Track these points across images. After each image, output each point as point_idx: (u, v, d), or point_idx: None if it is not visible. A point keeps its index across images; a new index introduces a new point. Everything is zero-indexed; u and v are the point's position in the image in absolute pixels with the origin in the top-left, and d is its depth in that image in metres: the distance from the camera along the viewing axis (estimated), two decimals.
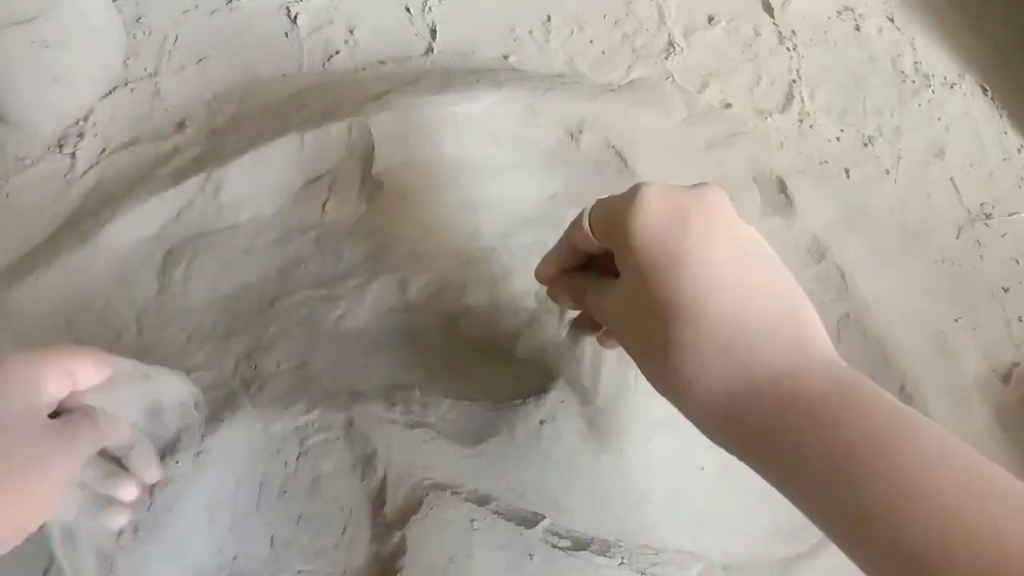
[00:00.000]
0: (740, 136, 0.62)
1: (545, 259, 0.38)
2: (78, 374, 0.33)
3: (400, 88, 0.58)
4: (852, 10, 0.74)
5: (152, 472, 0.36)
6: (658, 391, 0.31)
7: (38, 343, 0.45)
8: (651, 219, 0.30)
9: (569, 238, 0.36)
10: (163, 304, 0.46)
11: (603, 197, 0.34)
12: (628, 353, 0.33)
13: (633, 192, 0.31)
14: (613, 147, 0.56)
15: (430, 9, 0.68)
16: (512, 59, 0.65)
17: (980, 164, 0.65)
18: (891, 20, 0.74)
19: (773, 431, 0.27)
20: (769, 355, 0.28)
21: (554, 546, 0.38)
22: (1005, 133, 0.67)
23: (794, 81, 0.67)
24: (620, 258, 0.32)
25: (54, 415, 0.32)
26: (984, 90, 0.70)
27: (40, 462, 0.30)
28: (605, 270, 0.35)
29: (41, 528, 0.31)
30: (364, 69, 0.63)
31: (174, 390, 0.36)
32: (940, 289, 0.57)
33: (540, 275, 0.39)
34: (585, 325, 0.40)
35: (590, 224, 0.34)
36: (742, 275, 0.30)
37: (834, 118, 0.66)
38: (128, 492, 0.35)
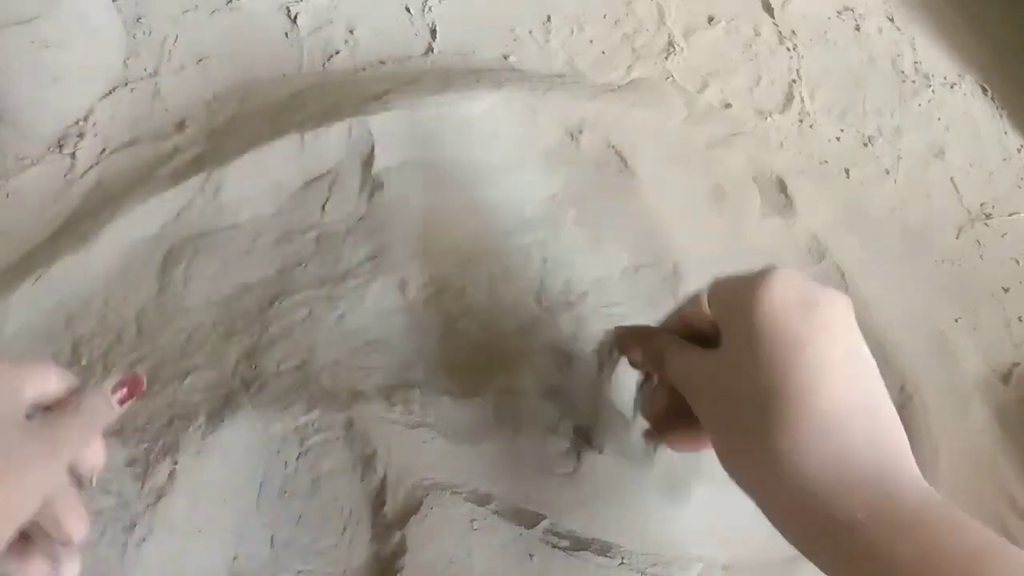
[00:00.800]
0: (740, 136, 0.62)
1: (644, 328, 0.38)
2: (52, 378, 0.32)
3: (400, 88, 0.58)
4: (852, 10, 0.74)
5: (80, 527, 0.32)
6: (734, 472, 0.31)
7: (38, 343, 0.45)
8: (780, 298, 0.30)
9: (682, 313, 0.36)
10: (163, 304, 0.46)
11: (727, 276, 0.34)
12: (708, 427, 0.33)
13: (766, 271, 0.31)
14: (613, 147, 0.56)
15: (430, 9, 0.67)
16: (512, 59, 0.65)
17: (980, 164, 0.65)
18: (891, 20, 0.74)
19: (863, 530, 0.27)
20: (867, 456, 0.28)
21: (554, 546, 0.38)
22: (1005, 133, 0.67)
23: (794, 81, 0.67)
24: (733, 331, 0.32)
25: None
26: (984, 90, 0.70)
27: (14, 469, 0.28)
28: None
29: None
30: (364, 69, 0.63)
31: None
32: (940, 289, 0.57)
33: (625, 336, 0.38)
34: (659, 431, 0.38)
35: (708, 298, 0.34)
36: (855, 376, 0.30)
37: (834, 118, 0.66)
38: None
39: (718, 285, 0.34)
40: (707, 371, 0.33)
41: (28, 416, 0.31)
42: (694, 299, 0.35)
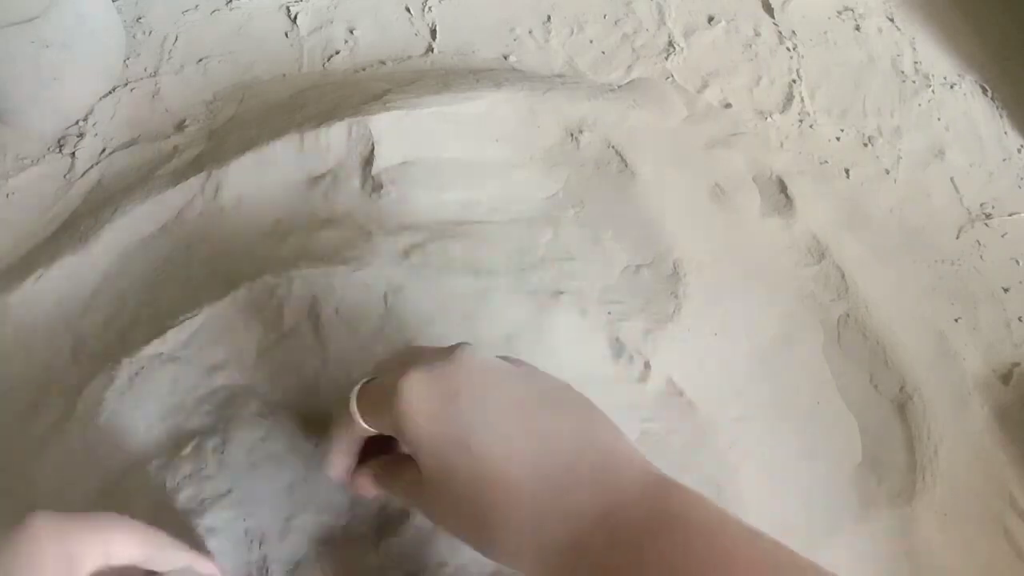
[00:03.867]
0: (740, 136, 0.62)
1: (332, 457, 0.35)
2: (112, 550, 0.29)
3: (400, 88, 0.58)
4: (852, 10, 0.74)
5: None
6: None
7: (38, 343, 0.45)
8: (420, 414, 0.29)
9: (343, 430, 0.34)
10: (163, 304, 0.46)
11: (365, 382, 0.33)
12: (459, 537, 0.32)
13: (392, 385, 0.30)
14: (613, 147, 0.56)
15: (430, 9, 0.68)
16: (512, 59, 0.65)
17: (980, 164, 0.65)
18: (891, 20, 0.74)
19: None
20: (582, 500, 0.28)
21: None
22: (1005, 133, 0.67)
23: (794, 81, 0.67)
24: (409, 451, 0.31)
25: None
26: (984, 90, 0.70)
27: None
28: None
29: None
30: (364, 69, 0.63)
31: None
32: (940, 289, 0.57)
33: (336, 475, 0.35)
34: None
35: (360, 412, 0.32)
36: (529, 429, 0.29)
37: (834, 118, 0.66)
38: None
39: (361, 403, 0.32)
40: (422, 494, 0.31)
41: None
42: (346, 415, 0.33)
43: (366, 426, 0.32)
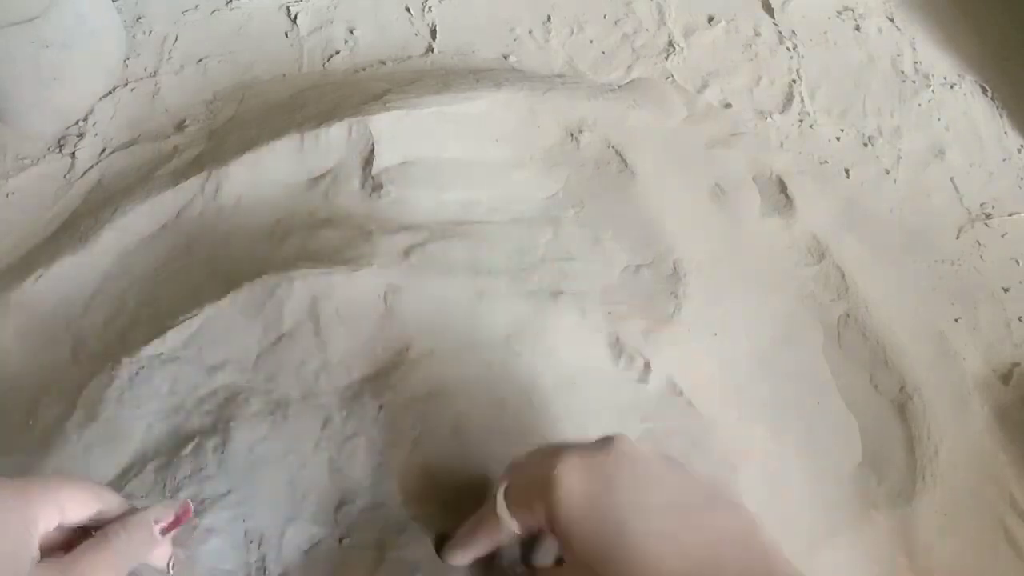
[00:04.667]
0: (740, 136, 0.62)
1: (459, 547, 0.34)
2: (66, 507, 0.30)
3: (400, 88, 0.58)
4: (852, 10, 0.74)
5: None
6: None
7: (38, 343, 0.45)
8: (577, 500, 0.29)
9: (486, 533, 0.33)
10: (162, 304, 0.46)
11: (515, 476, 0.32)
12: None
13: (548, 473, 0.30)
14: (613, 147, 0.56)
15: (430, 9, 0.68)
16: (512, 59, 0.65)
17: (980, 164, 0.65)
18: (891, 20, 0.74)
19: None
20: None
21: None
22: (1005, 133, 0.67)
23: (794, 81, 0.67)
24: (561, 544, 0.30)
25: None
26: (984, 90, 0.70)
27: None
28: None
29: None
30: (364, 69, 0.63)
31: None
32: (940, 289, 0.57)
33: (459, 563, 0.35)
34: None
35: (509, 509, 0.32)
36: (689, 530, 0.29)
37: (834, 118, 0.66)
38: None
39: (514, 497, 0.32)
40: None
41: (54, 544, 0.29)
42: (492, 512, 0.32)
43: (514, 526, 0.32)
